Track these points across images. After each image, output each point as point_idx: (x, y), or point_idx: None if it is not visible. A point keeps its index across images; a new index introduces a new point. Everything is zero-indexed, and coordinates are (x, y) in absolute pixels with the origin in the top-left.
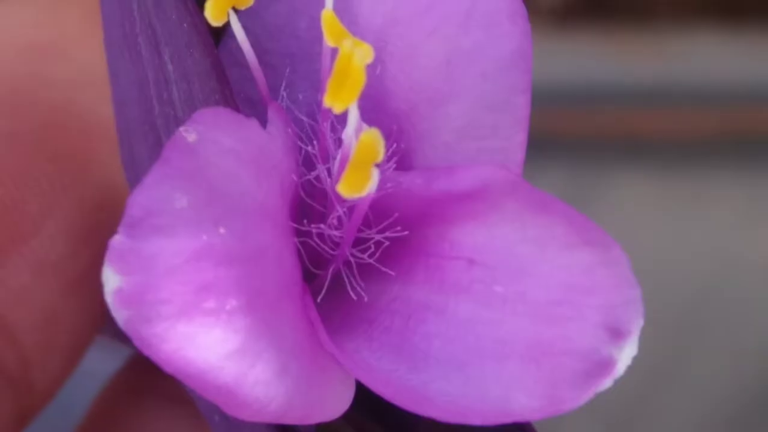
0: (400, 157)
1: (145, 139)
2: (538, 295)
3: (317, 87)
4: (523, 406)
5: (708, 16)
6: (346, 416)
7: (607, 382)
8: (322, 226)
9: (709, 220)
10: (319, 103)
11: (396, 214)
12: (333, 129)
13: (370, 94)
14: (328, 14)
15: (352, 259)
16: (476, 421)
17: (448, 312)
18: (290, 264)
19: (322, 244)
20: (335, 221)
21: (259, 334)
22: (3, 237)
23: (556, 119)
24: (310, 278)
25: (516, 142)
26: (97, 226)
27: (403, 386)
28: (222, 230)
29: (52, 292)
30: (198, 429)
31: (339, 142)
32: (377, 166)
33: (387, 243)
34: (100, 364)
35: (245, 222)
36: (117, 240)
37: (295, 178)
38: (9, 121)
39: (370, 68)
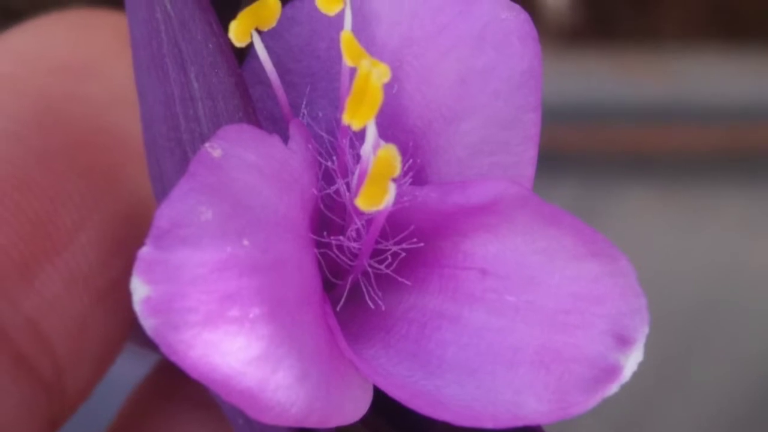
0: (415, 172)
1: (171, 155)
2: (547, 304)
3: (336, 105)
4: (533, 410)
5: (711, 37)
6: (364, 419)
7: (613, 388)
8: (341, 237)
9: (711, 232)
10: (338, 121)
11: (412, 227)
12: (352, 145)
13: (387, 111)
14: (346, 35)
15: (369, 270)
16: (488, 424)
17: (461, 320)
18: (310, 274)
19: (341, 255)
20: (354, 233)
21: (281, 341)
22: (37, 249)
23: (565, 136)
24: (329, 288)
25: (526, 157)
26: (126, 238)
27: (418, 391)
28: (245, 242)
29: (84, 301)
30: None
31: (357, 157)
32: (394, 180)
33: (403, 254)
34: (128, 370)
35: (267, 234)
36: (145, 251)
37: (315, 191)
38: (42, 138)
39: (387, 87)
